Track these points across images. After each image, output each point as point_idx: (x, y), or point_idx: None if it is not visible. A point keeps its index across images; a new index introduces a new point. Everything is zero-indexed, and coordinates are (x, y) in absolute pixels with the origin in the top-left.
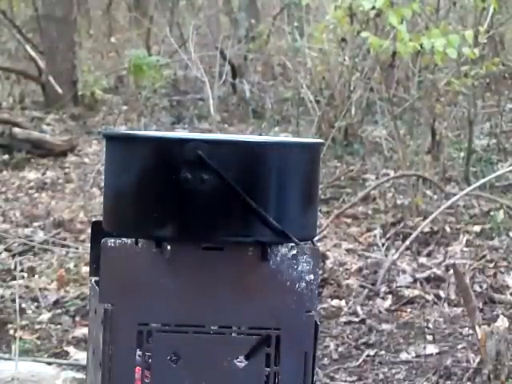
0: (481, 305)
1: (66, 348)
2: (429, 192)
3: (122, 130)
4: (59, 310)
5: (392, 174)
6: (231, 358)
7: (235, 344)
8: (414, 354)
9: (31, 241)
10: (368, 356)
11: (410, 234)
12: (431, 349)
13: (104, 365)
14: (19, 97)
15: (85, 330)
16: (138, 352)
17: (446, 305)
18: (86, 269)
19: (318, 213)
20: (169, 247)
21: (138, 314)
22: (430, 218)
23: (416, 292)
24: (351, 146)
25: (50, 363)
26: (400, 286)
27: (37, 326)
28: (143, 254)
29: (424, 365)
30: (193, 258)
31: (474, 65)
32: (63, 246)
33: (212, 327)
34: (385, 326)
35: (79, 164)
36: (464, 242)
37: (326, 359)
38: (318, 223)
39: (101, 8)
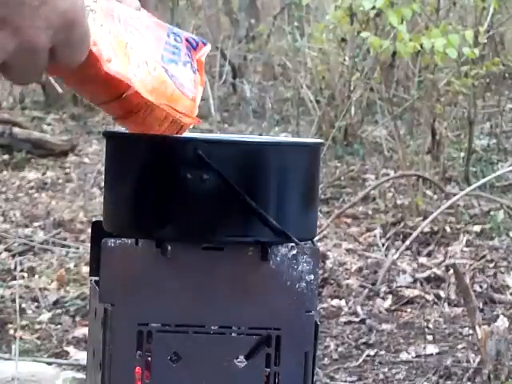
0: (481, 305)
1: (66, 348)
2: (429, 192)
3: (123, 129)
4: (59, 310)
5: (392, 173)
6: (231, 358)
7: (235, 344)
8: (414, 354)
9: (31, 241)
10: (368, 356)
11: (410, 234)
12: (431, 349)
13: (104, 365)
14: (19, 97)
15: (85, 330)
16: (138, 352)
17: (446, 305)
18: (86, 269)
19: (318, 213)
20: (169, 247)
21: (138, 314)
22: (430, 218)
23: (416, 292)
24: (351, 146)
25: (49, 363)
26: (400, 286)
27: (37, 326)
28: (143, 254)
29: (424, 365)
30: (193, 257)
31: (474, 65)
32: (63, 246)
33: (212, 327)
34: (385, 326)
35: (79, 164)
36: (464, 242)
37: (326, 359)
38: (318, 223)
39: None
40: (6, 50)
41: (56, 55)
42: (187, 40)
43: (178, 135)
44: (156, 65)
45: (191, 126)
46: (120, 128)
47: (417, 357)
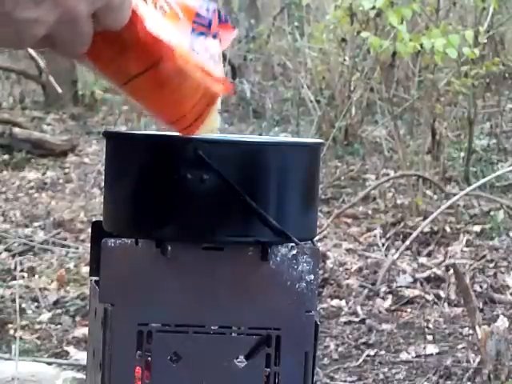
0: (481, 305)
1: (66, 348)
2: (429, 192)
3: (123, 129)
4: (59, 310)
5: (392, 174)
6: (231, 358)
7: (235, 344)
8: (414, 354)
9: (31, 241)
10: (368, 356)
11: (410, 234)
12: (431, 349)
13: (104, 365)
14: (19, 97)
15: (85, 330)
16: (138, 352)
17: (446, 305)
18: (86, 269)
19: (318, 213)
20: (169, 247)
21: (138, 314)
22: (430, 218)
23: (416, 292)
24: (351, 146)
25: (50, 363)
26: (400, 286)
27: (37, 326)
28: (143, 254)
29: (424, 365)
30: (193, 258)
31: (474, 65)
32: (63, 246)
33: (212, 327)
34: (385, 326)
35: (79, 164)
36: (464, 242)
37: (326, 359)
38: (318, 223)
39: None
40: (48, 23)
41: (99, 21)
42: (218, 12)
43: (178, 135)
44: (185, 40)
45: (220, 101)
46: (120, 128)
47: (417, 357)
